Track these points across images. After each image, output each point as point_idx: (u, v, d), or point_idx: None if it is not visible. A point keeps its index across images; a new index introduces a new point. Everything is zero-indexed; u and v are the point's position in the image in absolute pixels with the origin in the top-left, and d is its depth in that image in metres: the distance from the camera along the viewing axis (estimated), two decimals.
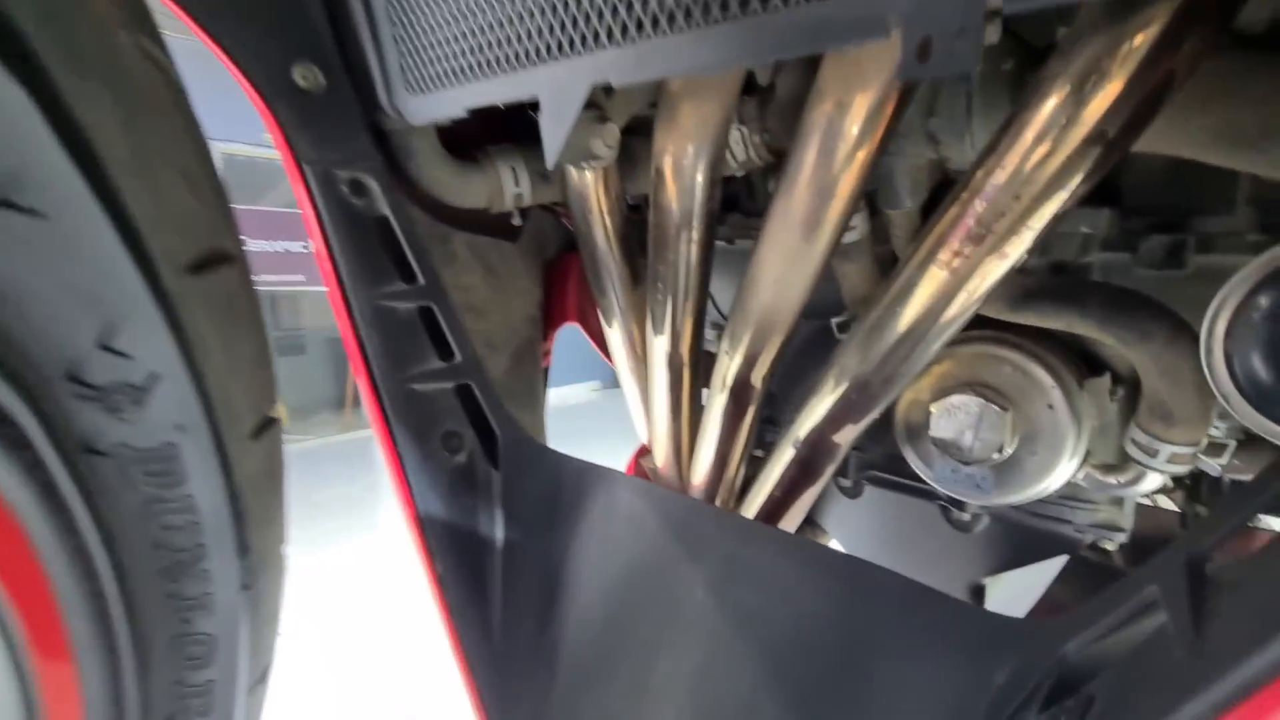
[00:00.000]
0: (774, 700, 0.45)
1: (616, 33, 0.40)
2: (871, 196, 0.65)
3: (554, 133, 0.47)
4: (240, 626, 0.40)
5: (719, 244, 0.91)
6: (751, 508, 0.75)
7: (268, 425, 0.42)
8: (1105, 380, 0.59)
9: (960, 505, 0.74)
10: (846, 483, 0.86)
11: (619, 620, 0.55)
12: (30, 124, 0.28)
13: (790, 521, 0.75)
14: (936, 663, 0.38)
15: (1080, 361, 0.61)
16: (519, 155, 0.71)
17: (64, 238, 0.29)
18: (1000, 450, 0.59)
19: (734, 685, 0.47)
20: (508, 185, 0.71)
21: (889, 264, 0.65)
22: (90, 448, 0.33)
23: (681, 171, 0.59)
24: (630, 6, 0.39)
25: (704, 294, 0.72)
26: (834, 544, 0.98)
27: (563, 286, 0.89)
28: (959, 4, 0.28)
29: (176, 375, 0.34)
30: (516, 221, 0.78)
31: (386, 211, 0.62)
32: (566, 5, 0.42)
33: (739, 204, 0.85)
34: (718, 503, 0.78)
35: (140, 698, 0.36)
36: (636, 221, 0.76)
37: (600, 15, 0.40)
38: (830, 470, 0.68)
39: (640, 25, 0.39)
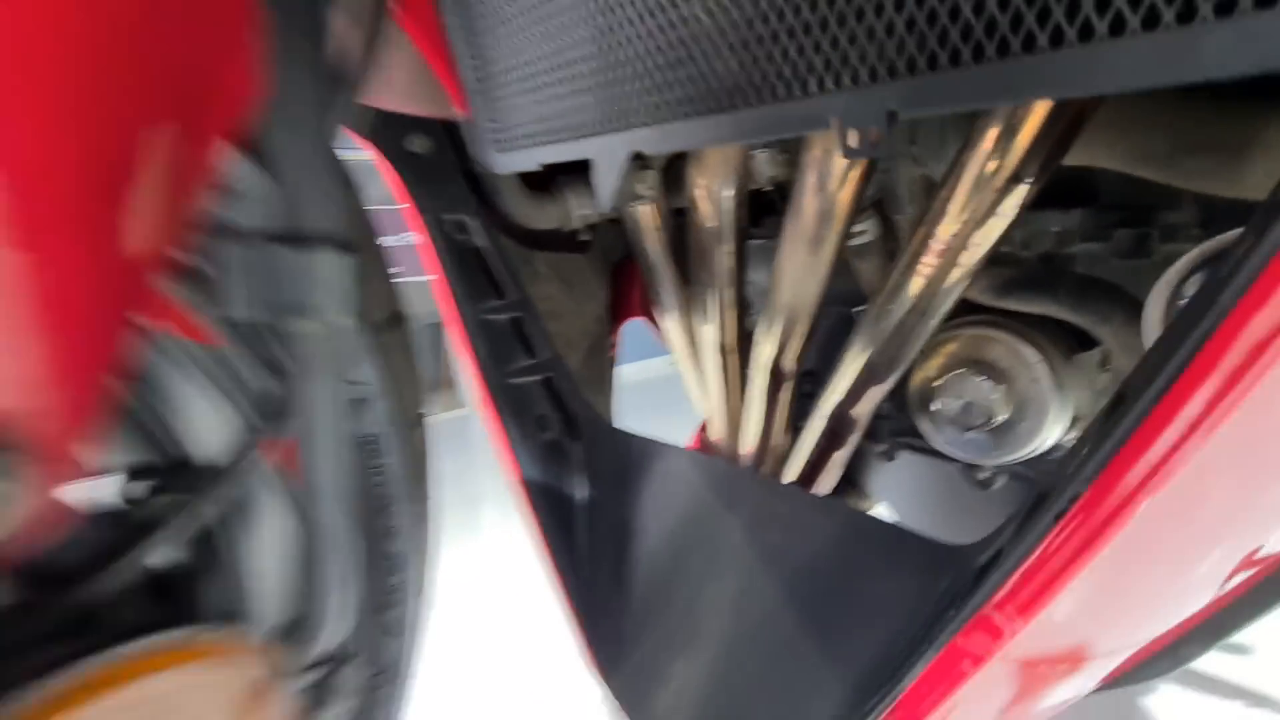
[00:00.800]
0: (787, 612, 0.59)
1: (645, 119, 0.54)
2: (881, 204, 0.75)
3: (605, 185, 0.62)
4: (414, 548, 0.59)
5: (760, 242, 1.02)
6: (791, 472, 0.88)
7: (421, 419, 0.61)
8: (1094, 354, 0.68)
9: (977, 467, 0.84)
10: (881, 448, 0.97)
11: (675, 557, 0.70)
12: None
13: (825, 483, 0.87)
14: (901, 579, 0.51)
15: (1073, 339, 0.70)
16: (583, 183, 0.86)
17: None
18: (994, 418, 0.69)
19: (761, 603, 0.62)
20: (574, 209, 0.86)
21: None
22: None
23: (712, 199, 0.72)
24: (658, 107, 0.53)
25: (742, 290, 0.85)
26: (877, 505, 1.09)
27: (627, 287, 1.04)
28: (870, 109, 0.40)
29: (382, 392, 0.52)
30: (585, 237, 0.94)
31: (483, 243, 0.79)
32: (611, 102, 0.56)
33: (775, 207, 0.96)
34: (763, 470, 0.91)
35: (361, 589, 0.55)
36: (683, 224, 0.89)
37: (635, 110, 0.54)
38: (854, 438, 0.80)
39: (661, 113, 0.53)
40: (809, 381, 1.07)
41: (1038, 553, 0.33)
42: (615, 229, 1.10)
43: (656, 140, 0.55)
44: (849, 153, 0.43)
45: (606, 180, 0.61)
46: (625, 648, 0.72)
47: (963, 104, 0.36)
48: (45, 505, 0.20)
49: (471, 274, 0.78)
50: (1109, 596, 0.37)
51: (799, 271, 0.70)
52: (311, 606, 0.28)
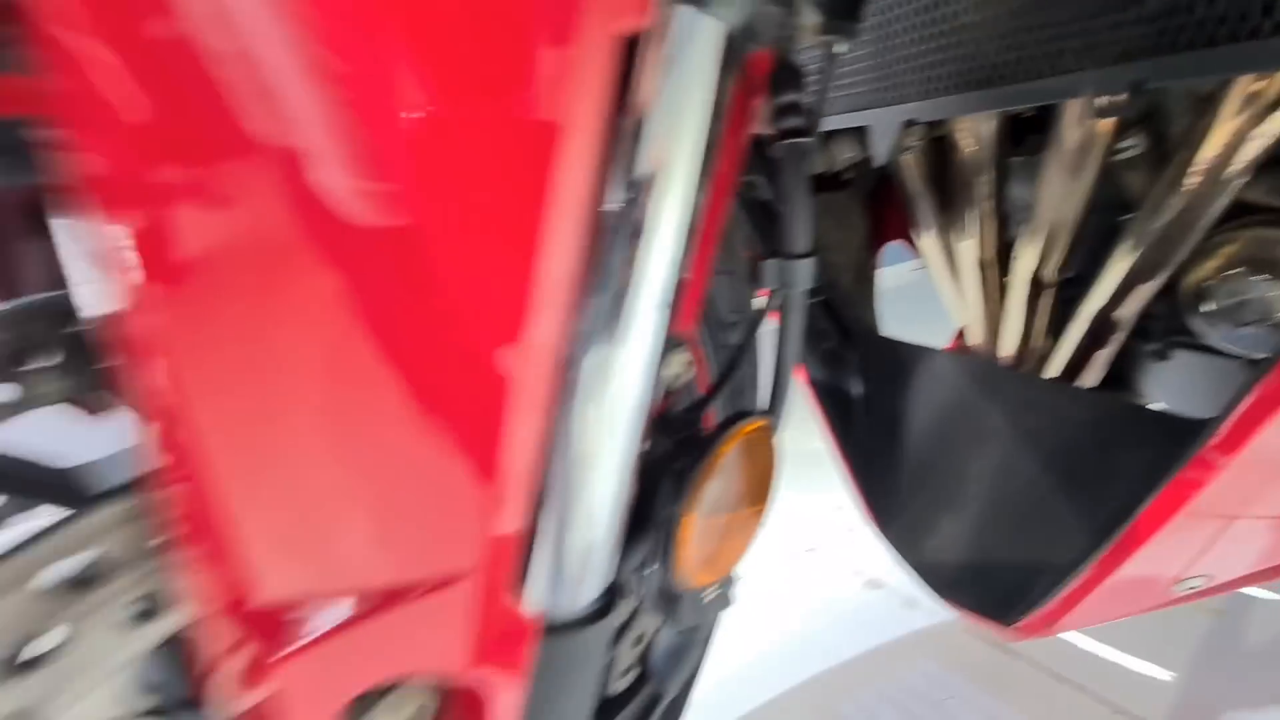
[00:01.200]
0: (1043, 475, 0.74)
1: (916, 94, 0.69)
2: (1152, 116, 0.79)
3: (880, 146, 0.78)
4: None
5: (1022, 159, 1.07)
6: (1052, 372, 0.97)
7: None
8: None
9: (1257, 362, 0.85)
10: (1153, 348, 1.01)
11: (941, 436, 0.88)
12: None
13: (1087, 381, 0.96)
14: (1147, 446, 0.63)
15: None
16: (845, 132, 1.01)
17: None
18: (1270, 314, 0.73)
19: (1019, 469, 0.77)
20: (839, 154, 1.02)
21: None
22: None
23: (974, 132, 0.83)
24: (927, 84, 0.67)
25: (1001, 208, 0.94)
26: (1153, 405, 1.11)
27: (884, 213, 1.17)
28: (1118, 81, 0.51)
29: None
30: (847, 176, 1.09)
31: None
32: (885, 81, 0.71)
33: (1037, 125, 1.00)
34: (1023, 370, 1.02)
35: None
36: (943, 150, 0.99)
37: (906, 86, 0.69)
38: (1118, 338, 0.88)
39: (930, 90, 0.67)
40: (1071, 286, 1.12)
41: (1244, 403, 0.45)
42: (869, 161, 1.22)
43: (925, 111, 0.69)
44: (1098, 113, 0.54)
45: (881, 142, 0.77)
46: (898, 506, 0.93)
47: (1201, 76, 0.47)
48: (691, 372, 0.47)
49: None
50: None
51: (1060, 192, 0.79)
52: (781, 403, 0.49)
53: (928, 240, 1.12)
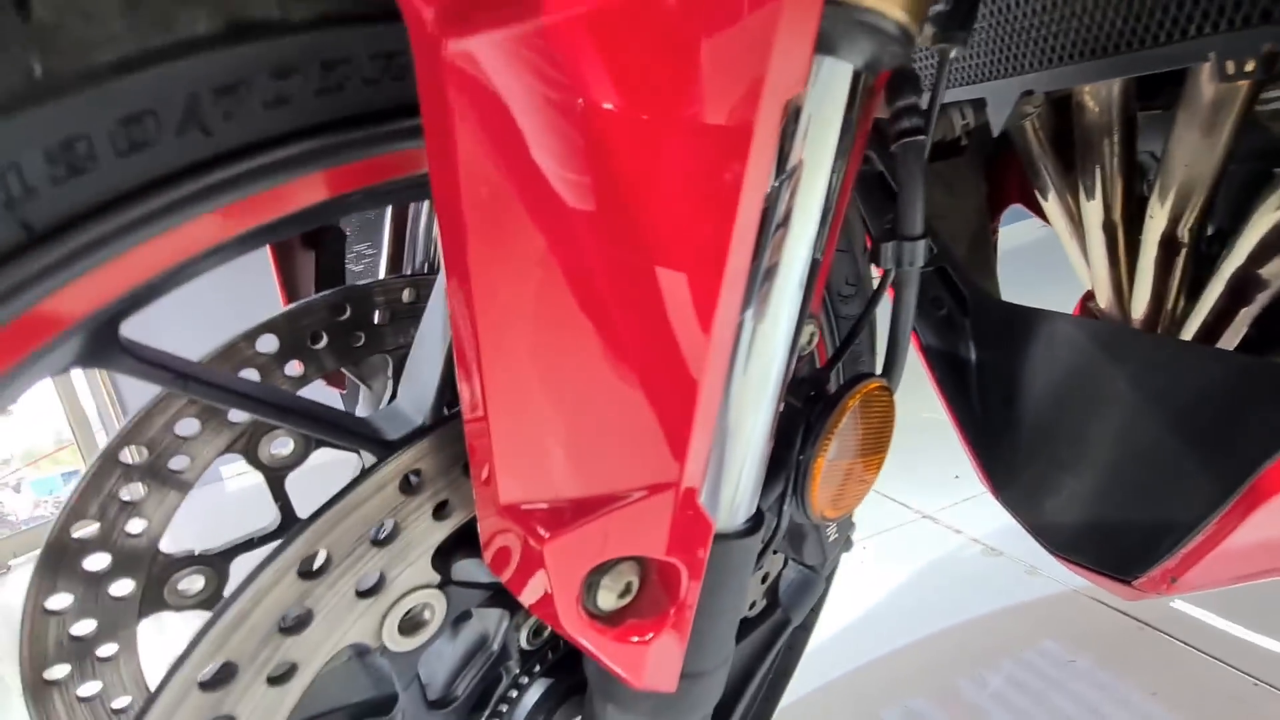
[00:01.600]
0: (1170, 435, 0.74)
1: (1035, 64, 0.70)
2: None
3: (997, 117, 0.80)
4: None
5: (1155, 112, 1.02)
6: (1188, 334, 0.95)
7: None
8: None
9: None
10: None
11: (1060, 399, 0.89)
12: None
13: (1228, 341, 0.92)
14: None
15: None
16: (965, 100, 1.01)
17: None
18: None
19: (1144, 430, 0.78)
20: (956, 120, 1.03)
21: None
22: None
23: (1096, 95, 0.82)
24: (1046, 54, 0.69)
25: (1131, 168, 0.92)
26: None
27: (1002, 178, 1.16)
28: (1247, 46, 0.52)
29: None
30: (963, 142, 1.09)
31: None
32: (1002, 52, 0.73)
33: (1171, 78, 0.96)
34: (1156, 332, 0.99)
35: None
36: (1065, 111, 0.97)
37: (1024, 56, 0.71)
38: (1263, 297, 0.84)
39: (1051, 61, 0.69)
40: (1209, 244, 1.06)
41: None
42: (986, 126, 1.20)
43: (1045, 81, 0.71)
44: (1225, 79, 0.55)
45: (998, 114, 0.79)
46: (1015, 468, 0.95)
47: None
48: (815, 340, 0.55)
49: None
50: None
51: (1196, 148, 0.77)
52: (897, 367, 0.56)
53: (1051, 203, 1.10)
